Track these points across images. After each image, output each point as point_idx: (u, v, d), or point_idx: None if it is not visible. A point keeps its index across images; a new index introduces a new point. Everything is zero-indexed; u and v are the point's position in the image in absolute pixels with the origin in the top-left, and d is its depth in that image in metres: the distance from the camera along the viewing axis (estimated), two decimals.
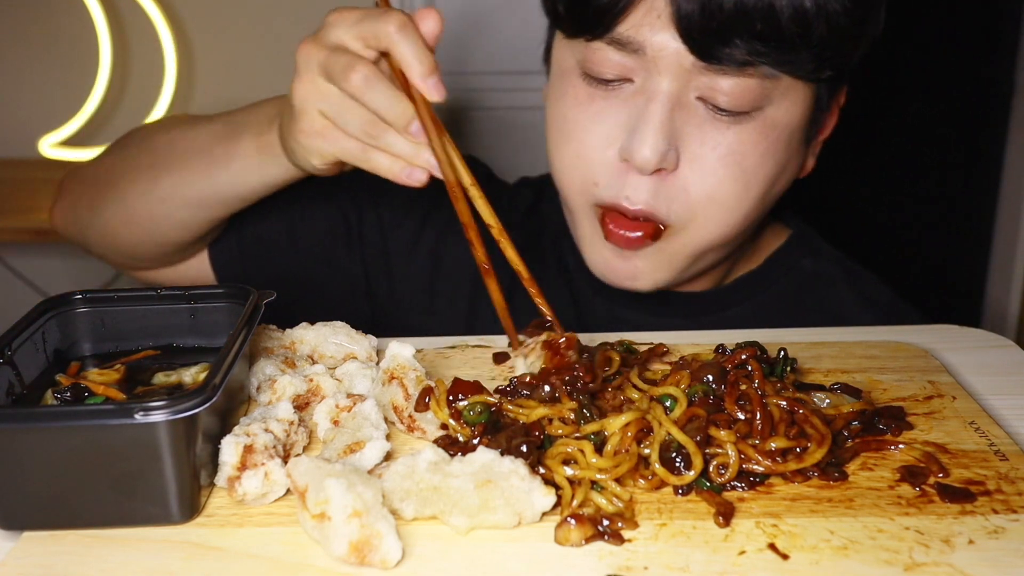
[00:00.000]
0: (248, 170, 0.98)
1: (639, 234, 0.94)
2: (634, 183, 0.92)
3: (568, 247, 1.12)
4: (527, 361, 0.79)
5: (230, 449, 0.64)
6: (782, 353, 0.77)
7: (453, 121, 2.75)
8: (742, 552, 0.59)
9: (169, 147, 1.04)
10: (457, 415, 0.70)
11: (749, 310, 1.10)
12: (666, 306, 1.08)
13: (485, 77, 2.49)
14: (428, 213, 1.17)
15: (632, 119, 0.91)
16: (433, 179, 0.85)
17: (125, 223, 1.05)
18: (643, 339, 0.89)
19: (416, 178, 0.85)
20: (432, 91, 0.81)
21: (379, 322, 1.12)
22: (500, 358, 0.84)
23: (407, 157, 0.83)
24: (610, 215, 0.95)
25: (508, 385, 0.75)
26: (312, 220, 1.14)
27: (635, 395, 0.71)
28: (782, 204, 1.05)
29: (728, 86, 0.88)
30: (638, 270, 0.98)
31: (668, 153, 0.90)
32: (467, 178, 0.84)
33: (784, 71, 0.89)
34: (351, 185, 1.12)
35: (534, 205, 1.21)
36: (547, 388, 0.73)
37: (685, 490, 0.65)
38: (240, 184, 0.99)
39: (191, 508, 0.62)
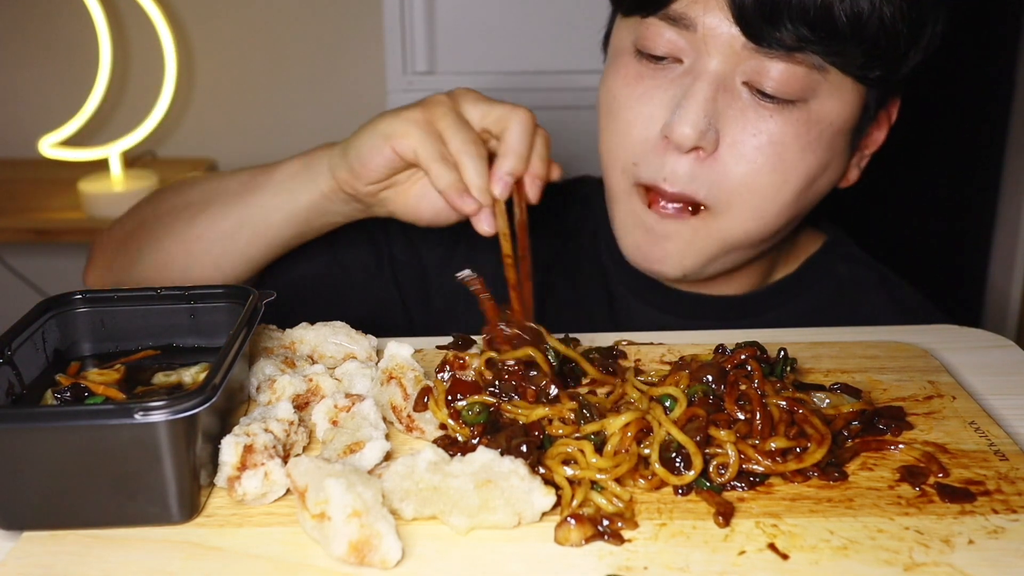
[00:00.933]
0: (283, 192, 1.00)
1: (679, 205, 0.95)
2: (672, 162, 0.93)
3: (605, 247, 1.13)
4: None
5: (230, 449, 0.64)
6: (782, 353, 0.77)
7: None
8: (742, 552, 0.59)
9: (203, 189, 1.06)
10: (456, 415, 0.70)
11: (784, 315, 1.10)
12: (701, 308, 1.09)
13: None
14: (459, 228, 1.17)
15: (677, 98, 0.92)
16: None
17: (162, 267, 1.06)
18: (642, 339, 0.89)
19: (466, 204, 0.89)
20: (554, 170, 0.91)
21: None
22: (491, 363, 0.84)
23: (475, 185, 0.88)
24: (651, 195, 0.96)
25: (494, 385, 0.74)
26: (346, 256, 1.15)
27: (635, 395, 0.71)
28: (819, 210, 1.05)
29: (776, 71, 0.88)
30: (667, 253, 0.98)
31: (708, 133, 0.90)
32: (509, 250, 0.89)
33: (832, 63, 0.89)
34: (378, 221, 1.14)
35: (566, 206, 1.21)
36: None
37: (685, 490, 0.65)
38: (273, 209, 1.00)
39: (191, 508, 0.62)
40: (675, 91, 0.92)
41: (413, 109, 0.93)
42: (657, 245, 0.98)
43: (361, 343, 0.82)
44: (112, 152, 2.41)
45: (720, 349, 0.79)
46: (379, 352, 0.83)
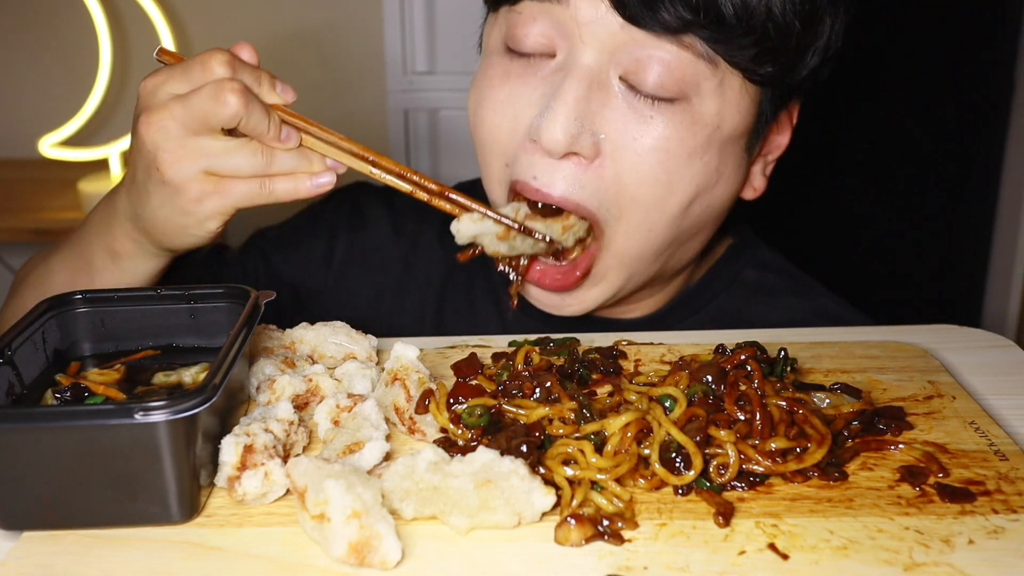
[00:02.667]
0: (115, 279, 0.92)
1: (574, 276, 0.90)
2: (546, 167, 0.86)
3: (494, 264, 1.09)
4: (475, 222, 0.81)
5: (230, 449, 0.64)
6: (782, 353, 0.77)
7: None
8: (742, 552, 0.59)
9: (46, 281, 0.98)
10: (456, 419, 0.70)
11: (692, 326, 1.03)
12: (604, 330, 1.01)
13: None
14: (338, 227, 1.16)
15: (546, 97, 0.85)
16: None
17: None
18: (642, 339, 0.89)
19: (323, 183, 0.83)
20: (287, 93, 0.83)
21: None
22: (499, 357, 0.84)
23: (303, 168, 0.83)
24: (536, 263, 0.90)
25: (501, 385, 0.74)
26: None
27: (634, 396, 0.71)
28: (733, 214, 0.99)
29: (657, 58, 0.82)
30: (564, 302, 0.93)
31: (581, 136, 0.84)
32: (356, 147, 0.84)
33: (720, 52, 0.82)
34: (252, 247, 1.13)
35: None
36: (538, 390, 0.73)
37: (685, 490, 0.65)
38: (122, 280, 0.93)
39: (191, 508, 0.62)
40: (544, 89, 0.86)
41: (172, 164, 0.80)
42: (553, 296, 0.93)
43: (361, 343, 0.82)
44: (112, 152, 2.41)
45: (720, 349, 0.79)
46: (379, 352, 0.83)
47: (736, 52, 0.82)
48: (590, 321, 1.03)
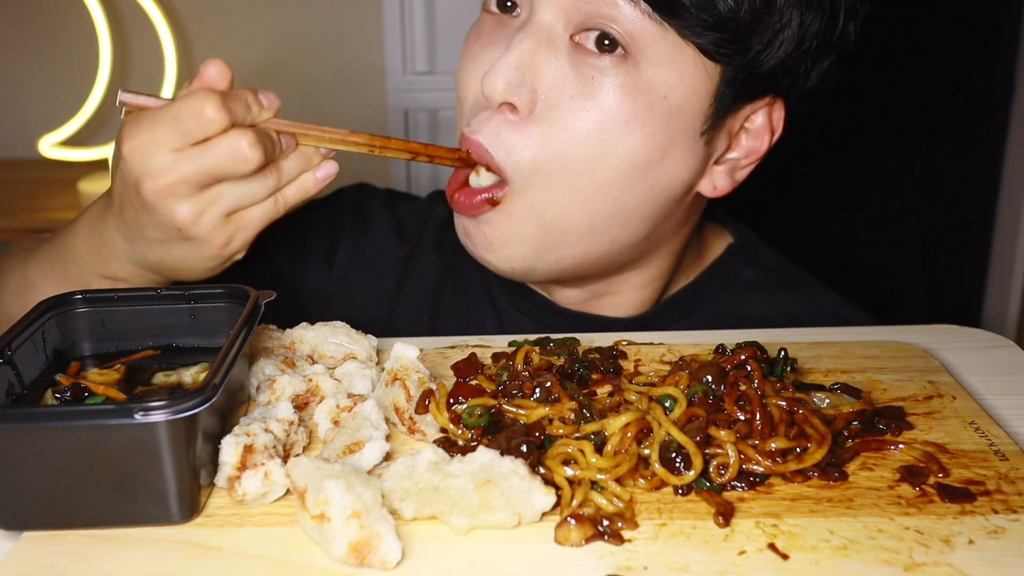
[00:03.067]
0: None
1: (477, 199, 0.89)
2: (483, 117, 0.87)
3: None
4: None
5: (230, 449, 0.64)
6: (782, 353, 0.77)
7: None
8: (742, 552, 0.59)
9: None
10: (456, 419, 0.70)
11: (687, 326, 1.01)
12: (590, 329, 1.00)
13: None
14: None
15: (502, 51, 0.87)
16: None
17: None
18: (642, 339, 0.89)
19: (327, 174, 0.85)
20: (272, 101, 0.82)
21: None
22: (499, 357, 0.84)
23: (303, 167, 0.84)
24: (450, 190, 0.91)
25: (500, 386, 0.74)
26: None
27: (634, 396, 0.71)
28: (715, 207, 0.97)
29: (607, 15, 0.82)
30: (487, 238, 0.92)
31: (520, 89, 0.84)
32: (339, 133, 0.85)
33: (663, 13, 0.82)
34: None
35: (449, 218, 1.16)
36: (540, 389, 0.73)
37: (685, 490, 0.65)
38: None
39: (191, 508, 0.62)
40: (503, 44, 0.87)
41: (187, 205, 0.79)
42: (478, 229, 0.92)
43: (361, 343, 0.82)
44: (112, 152, 2.41)
45: (720, 349, 0.79)
46: (379, 352, 0.83)
47: (683, 15, 0.82)
48: (584, 320, 1.03)
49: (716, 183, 0.94)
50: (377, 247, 1.16)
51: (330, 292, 1.15)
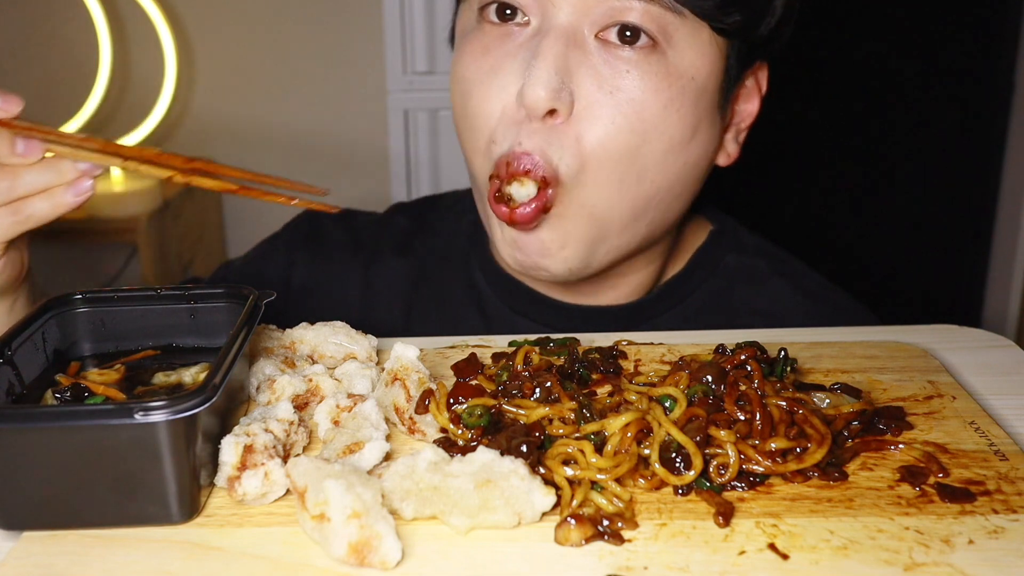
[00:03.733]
0: None
1: (531, 208, 0.88)
2: (529, 131, 0.87)
3: (476, 264, 1.10)
4: None
5: (230, 449, 0.64)
6: (782, 353, 0.77)
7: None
8: (742, 552, 0.59)
9: None
10: (456, 419, 0.70)
11: (678, 316, 1.05)
12: (585, 321, 1.04)
13: None
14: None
15: (527, 60, 0.87)
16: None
17: None
18: (642, 339, 0.89)
19: (84, 190, 0.78)
20: (10, 103, 0.77)
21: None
22: (499, 357, 0.84)
23: (57, 181, 0.77)
24: (498, 205, 0.89)
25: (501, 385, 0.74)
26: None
27: (634, 396, 0.71)
28: (703, 198, 1.00)
29: (628, 12, 0.85)
30: (544, 244, 0.92)
31: (562, 92, 0.85)
32: (101, 144, 0.78)
33: (686, 3, 0.85)
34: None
35: (416, 230, 1.17)
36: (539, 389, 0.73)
37: (685, 490, 0.65)
38: None
39: (191, 508, 0.62)
40: (524, 54, 0.88)
41: None
42: (532, 236, 0.92)
43: (361, 343, 0.82)
44: None
45: (720, 349, 0.79)
46: (379, 352, 0.83)
47: (702, 1, 0.85)
48: (581, 311, 1.03)
49: (728, 151, 0.99)
50: (334, 265, 1.16)
51: (291, 311, 1.15)
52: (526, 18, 0.89)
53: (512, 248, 0.94)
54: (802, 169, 2.91)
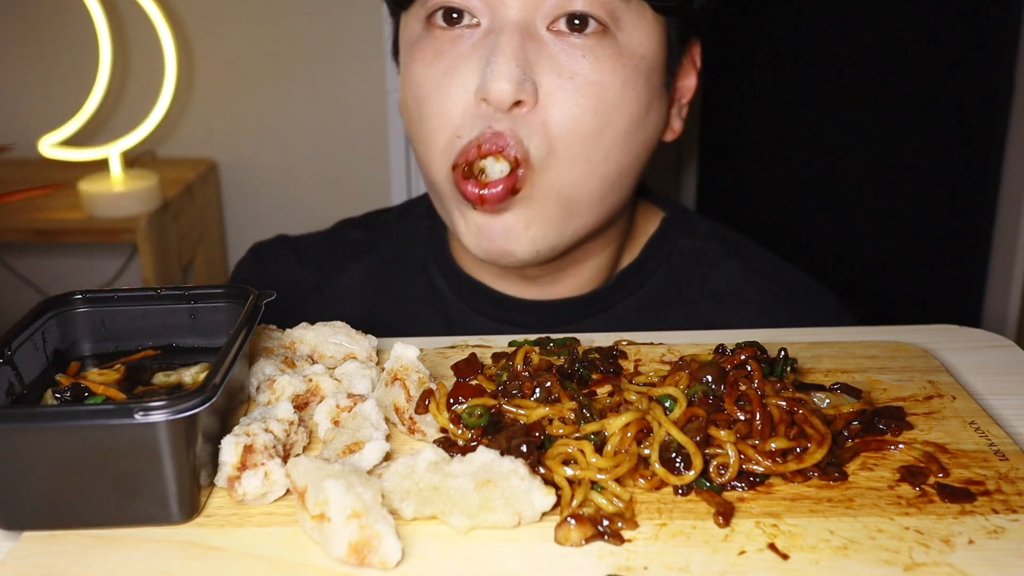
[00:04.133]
0: None
1: (500, 188, 0.90)
2: (495, 118, 0.89)
3: (437, 269, 1.11)
4: None
5: (230, 449, 0.64)
6: (782, 353, 0.77)
7: None
8: (742, 552, 0.59)
9: None
10: (456, 419, 0.70)
11: (633, 304, 1.07)
12: (547, 315, 1.05)
13: None
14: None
15: (485, 58, 0.89)
16: None
17: None
18: (642, 339, 0.89)
19: None
20: None
21: None
22: (499, 357, 0.84)
23: None
24: (466, 179, 0.91)
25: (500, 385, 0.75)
26: None
27: (634, 396, 0.71)
28: (649, 178, 1.03)
29: (576, 3, 0.88)
30: (509, 228, 0.93)
31: (525, 83, 0.88)
32: None
33: None
34: None
35: (367, 240, 1.19)
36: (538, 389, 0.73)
37: (685, 490, 0.65)
38: None
39: (191, 508, 0.62)
40: (481, 52, 0.90)
41: None
42: (496, 221, 0.92)
43: (361, 343, 0.82)
44: (112, 152, 2.41)
45: (720, 349, 0.79)
46: (379, 352, 0.83)
47: None
48: (532, 304, 1.05)
49: (673, 127, 1.03)
50: (285, 280, 1.17)
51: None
52: (475, 20, 0.92)
53: (477, 237, 0.95)
54: (802, 169, 2.91)
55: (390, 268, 1.16)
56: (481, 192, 0.90)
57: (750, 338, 0.81)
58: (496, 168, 0.90)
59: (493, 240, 0.94)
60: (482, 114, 0.90)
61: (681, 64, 1.00)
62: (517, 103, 0.89)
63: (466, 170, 0.91)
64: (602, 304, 1.07)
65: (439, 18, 0.93)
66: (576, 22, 0.90)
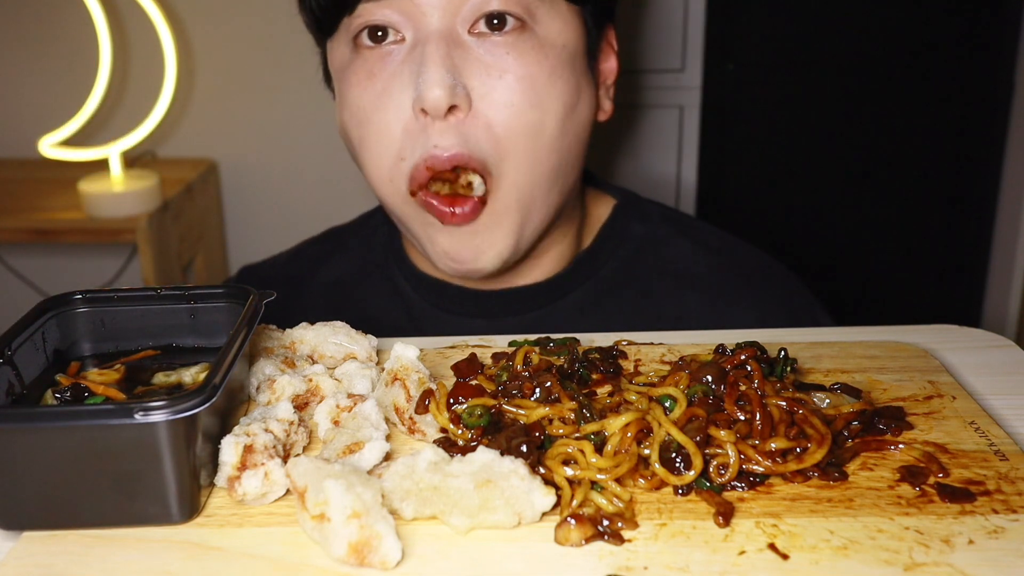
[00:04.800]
0: None
1: (467, 208, 0.94)
2: (438, 131, 0.92)
3: (399, 272, 1.14)
4: None
5: (230, 449, 0.64)
6: (782, 353, 0.77)
7: None
8: (742, 552, 0.59)
9: None
10: (456, 419, 0.70)
11: (590, 289, 1.10)
12: (507, 304, 1.08)
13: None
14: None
15: (415, 72, 0.91)
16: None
17: None
18: (642, 339, 0.89)
19: None
20: None
21: None
22: (499, 357, 0.84)
23: None
24: (431, 198, 0.94)
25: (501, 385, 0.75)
26: None
27: (634, 396, 0.71)
28: (648, 180, 1.06)
29: (488, 2, 0.91)
30: (477, 248, 0.97)
31: (456, 88, 0.90)
32: None
33: None
34: None
35: (326, 254, 1.22)
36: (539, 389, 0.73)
37: (685, 490, 0.65)
38: None
39: (191, 508, 0.62)
40: (411, 66, 0.92)
41: None
42: (466, 246, 0.97)
43: (361, 343, 0.82)
44: (112, 152, 2.41)
45: (720, 349, 0.79)
46: (379, 352, 0.83)
47: None
48: (501, 297, 1.07)
49: (604, 108, 1.06)
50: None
51: None
52: (400, 35, 0.94)
53: (447, 259, 0.99)
54: (802, 169, 2.91)
55: (350, 276, 1.19)
56: (453, 210, 0.94)
57: (750, 338, 0.81)
58: (477, 182, 0.94)
59: (462, 262, 0.98)
60: (422, 128, 0.92)
61: (601, 48, 1.04)
62: (452, 108, 0.91)
63: (433, 192, 0.94)
64: (560, 291, 1.09)
65: (365, 38, 0.95)
66: (495, 21, 0.92)
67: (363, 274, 1.18)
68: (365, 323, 1.11)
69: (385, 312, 1.14)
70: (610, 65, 1.07)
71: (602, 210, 1.15)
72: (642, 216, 1.15)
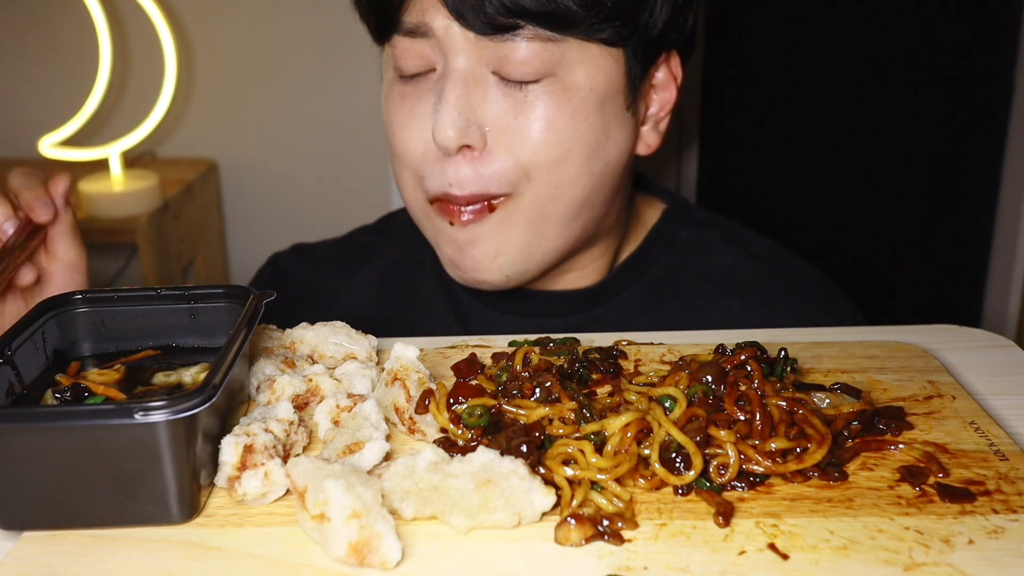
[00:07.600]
0: None
1: (476, 207, 0.95)
2: (453, 168, 0.93)
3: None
4: None
5: (230, 449, 0.64)
6: (782, 353, 0.77)
7: None
8: (742, 552, 0.59)
9: None
10: (456, 419, 0.70)
11: (636, 293, 1.10)
12: (556, 304, 1.09)
13: None
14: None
15: (435, 105, 0.93)
16: None
17: None
18: (642, 339, 0.89)
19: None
20: (39, 211, 0.90)
21: None
22: (499, 357, 0.84)
23: None
24: (449, 209, 0.96)
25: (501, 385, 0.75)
26: None
27: (634, 396, 0.71)
28: (643, 180, 1.05)
29: (516, 55, 0.90)
30: (477, 260, 0.98)
31: (469, 129, 0.91)
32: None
33: (558, 31, 0.90)
34: None
35: (377, 243, 1.24)
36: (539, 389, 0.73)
37: (685, 490, 0.65)
38: None
39: (191, 508, 0.62)
40: (433, 99, 0.94)
41: None
42: (465, 255, 0.98)
43: (361, 343, 0.82)
44: (112, 152, 2.41)
45: (720, 349, 0.79)
46: (379, 352, 0.83)
47: (573, 28, 0.90)
48: (547, 297, 1.08)
49: (648, 142, 1.04)
50: (299, 294, 1.21)
51: None
52: (431, 65, 0.95)
53: (452, 267, 1.01)
54: (801, 169, 2.91)
55: (402, 268, 1.19)
56: (463, 209, 0.95)
57: (750, 338, 0.81)
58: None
59: (466, 271, 0.99)
60: (439, 158, 0.94)
61: (652, 81, 1.01)
62: (467, 147, 0.92)
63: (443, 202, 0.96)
64: (606, 294, 1.10)
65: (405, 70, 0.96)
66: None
67: (412, 266, 1.19)
68: (413, 316, 1.15)
69: (433, 306, 1.15)
70: (667, 96, 1.04)
71: (651, 215, 1.16)
72: (690, 221, 1.15)
